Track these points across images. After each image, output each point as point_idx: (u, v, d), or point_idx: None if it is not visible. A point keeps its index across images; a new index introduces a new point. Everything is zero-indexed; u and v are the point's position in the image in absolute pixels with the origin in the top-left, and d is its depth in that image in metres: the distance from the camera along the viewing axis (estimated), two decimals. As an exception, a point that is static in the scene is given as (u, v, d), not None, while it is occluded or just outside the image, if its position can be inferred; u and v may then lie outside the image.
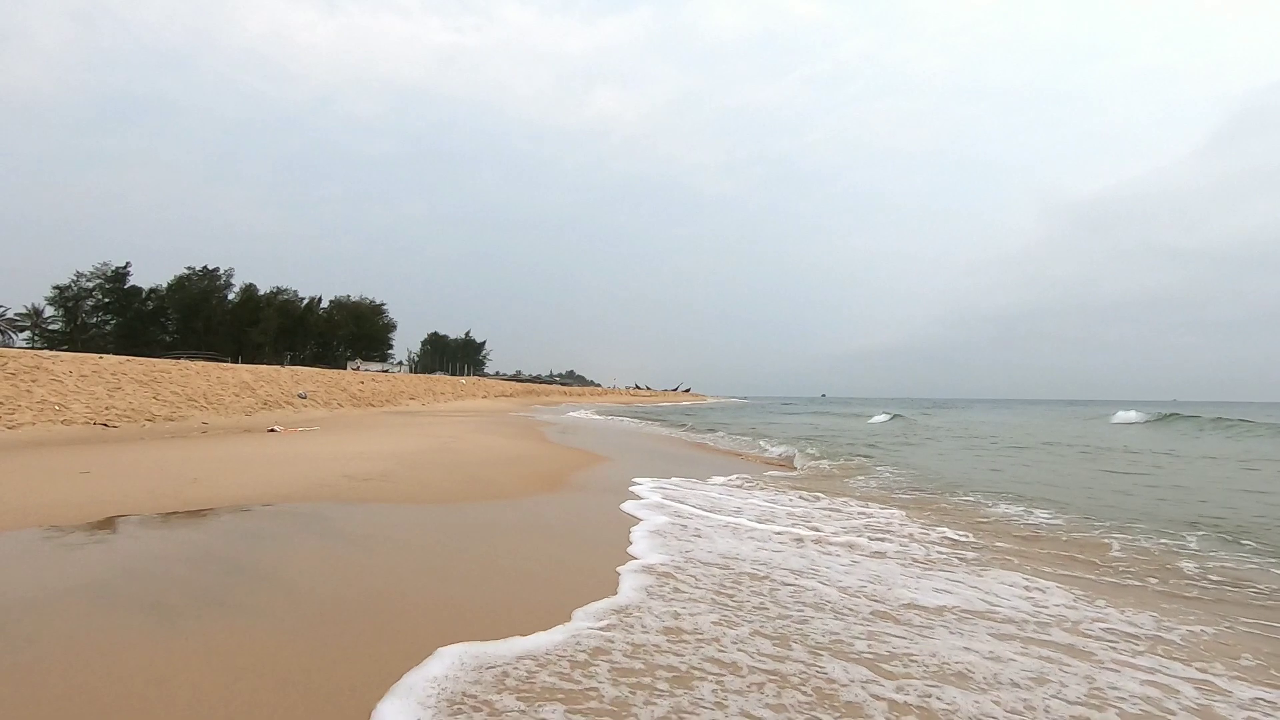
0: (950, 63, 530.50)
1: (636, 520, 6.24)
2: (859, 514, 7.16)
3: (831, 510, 7.35)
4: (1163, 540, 6.20)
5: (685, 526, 6.04)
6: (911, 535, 6.14)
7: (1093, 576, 4.93)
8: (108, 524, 5.29)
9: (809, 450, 15.65)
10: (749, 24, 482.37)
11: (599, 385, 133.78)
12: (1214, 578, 4.95)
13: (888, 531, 6.27)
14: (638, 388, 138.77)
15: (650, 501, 7.30)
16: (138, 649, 2.93)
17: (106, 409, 16.54)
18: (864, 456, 14.53)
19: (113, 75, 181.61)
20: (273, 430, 16.48)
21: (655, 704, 2.57)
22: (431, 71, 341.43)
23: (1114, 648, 3.44)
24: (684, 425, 26.96)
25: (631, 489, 8.23)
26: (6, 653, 2.84)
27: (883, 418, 34.84)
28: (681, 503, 7.33)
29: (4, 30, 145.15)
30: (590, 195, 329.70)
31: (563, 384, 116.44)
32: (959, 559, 5.28)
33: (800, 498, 8.21)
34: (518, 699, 2.55)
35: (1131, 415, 32.66)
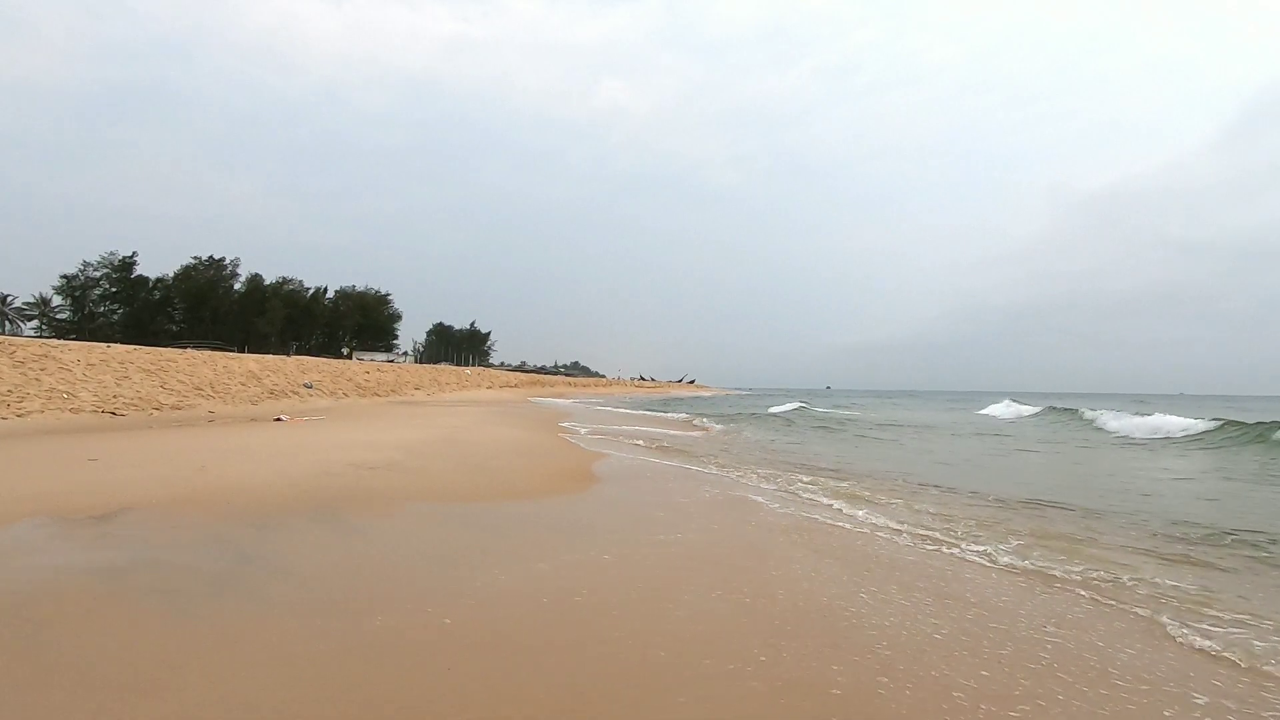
0: (960, 54, 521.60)
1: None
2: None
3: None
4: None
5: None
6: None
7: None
8: (116, 511, 5.32)
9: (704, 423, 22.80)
10: (758, 14, 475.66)
11: (604, 376, 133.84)
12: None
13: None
14: (642, 379, 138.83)
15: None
16: (149, 634, 2.96)
17: (114, 397, 16.65)
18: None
19: (120, 66, 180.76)
20: (279, 419, 16.56)
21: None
22: (438, 62, 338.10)
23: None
24: (662, 411, 32.97)
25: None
26: (20, 637, 2.87)
27: (790, 406, 39.20)
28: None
29: (12, 20, 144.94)
30: (597, 187, 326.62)
31: (567, 375, 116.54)
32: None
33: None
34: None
35: (1003, 409, 35.56)
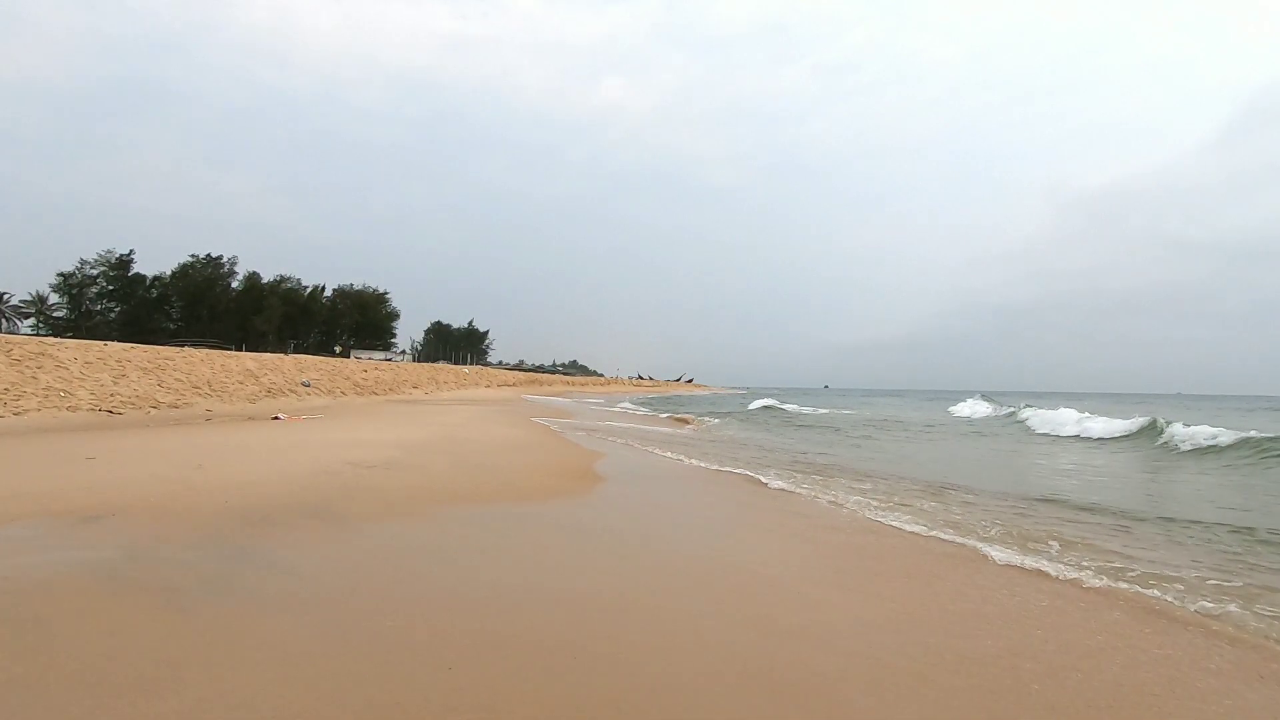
0: (959, 53, 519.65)
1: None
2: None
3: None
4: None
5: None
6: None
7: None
8: (114, 510, 5.30)
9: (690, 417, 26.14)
10: (757, 12, 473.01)
11: (602, 375, 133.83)
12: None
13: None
14: (640, 378, 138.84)
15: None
16: (147, 631, 2.94)
17: (111, 396, 16.60)
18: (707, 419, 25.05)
19: (118, 63, 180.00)
20: (277, 418, 16.53)
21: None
22: (436, 59, 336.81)
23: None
24: (659, 409, 34.40)
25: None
26: (17, 635, 2.85)
27: (761, 403, 42.32)
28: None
29: (11, 15, 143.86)
30: (596, 185, 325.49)
31: (565, 374, 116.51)
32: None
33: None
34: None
35: (967, 407, 36.40)
